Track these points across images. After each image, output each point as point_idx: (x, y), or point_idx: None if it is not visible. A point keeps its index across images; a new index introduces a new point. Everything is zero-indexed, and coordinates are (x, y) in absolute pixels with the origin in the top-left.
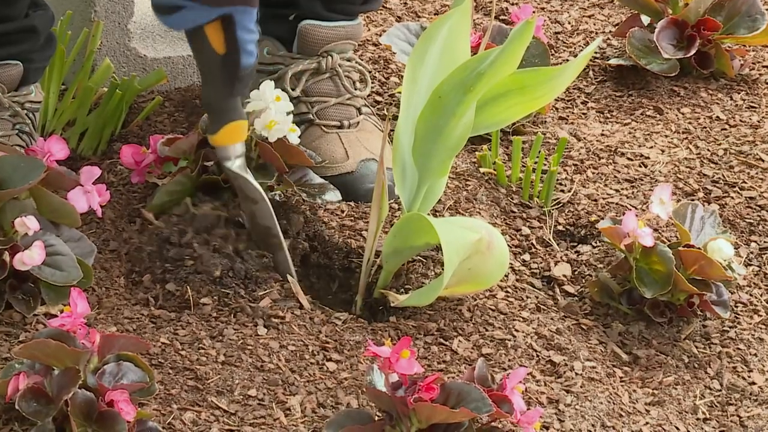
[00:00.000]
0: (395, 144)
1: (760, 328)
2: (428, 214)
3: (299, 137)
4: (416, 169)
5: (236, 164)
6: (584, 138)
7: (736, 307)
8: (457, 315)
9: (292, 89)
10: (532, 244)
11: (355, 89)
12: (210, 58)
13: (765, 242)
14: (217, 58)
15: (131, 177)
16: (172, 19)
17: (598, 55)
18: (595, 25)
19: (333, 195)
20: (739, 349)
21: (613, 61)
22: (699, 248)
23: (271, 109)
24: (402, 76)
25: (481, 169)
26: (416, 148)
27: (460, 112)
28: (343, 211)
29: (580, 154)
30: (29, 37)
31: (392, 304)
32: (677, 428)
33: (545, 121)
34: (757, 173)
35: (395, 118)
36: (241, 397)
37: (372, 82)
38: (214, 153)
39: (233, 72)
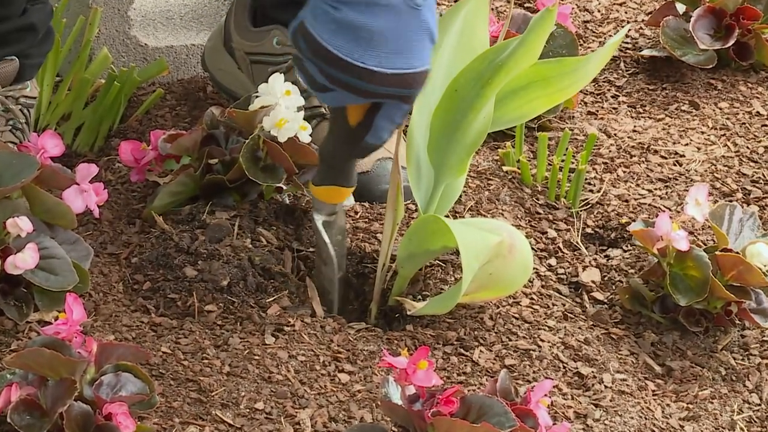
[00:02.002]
0: (409, 141)
1: None
2: (446, 216)
3: (310, 133)
4: (432, 167)
5: (321, 220)
6: (615, 134)
7: None
8: (479, 323)
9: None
10: (559, 247)
11: None
12: (340, 123)
13: None
14: (347, 127)
15: (130, 175)
16: (323, 96)
17: (629, 46)
18: (626, 13)
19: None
20: None
21: (646, 52)
22: (737, 252)
23: (280, 105)
24: None
25: (504, 168)
26: (432, 145)
27: (478, 106)
28: (356, 212)
29: (610, 151)
30: (28, 35)
31: (409, 312)
32: None
33: (573, 116)
34: None
35: (410, 113)
36: (248, 410)
37: None
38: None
39: (355, 143)
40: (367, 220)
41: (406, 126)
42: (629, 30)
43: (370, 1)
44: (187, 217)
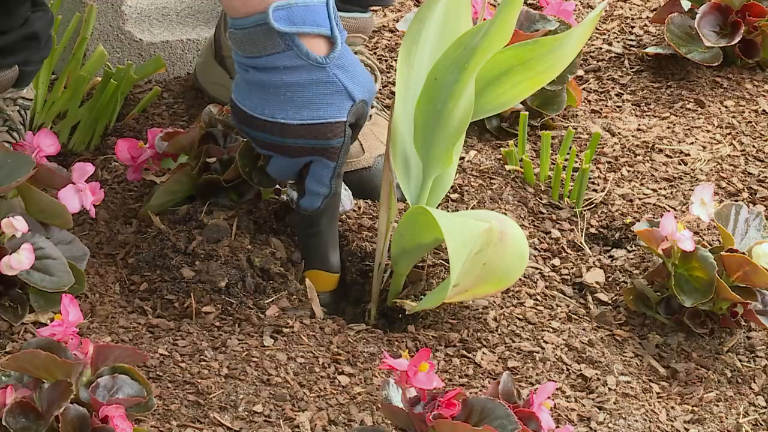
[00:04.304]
0: (393, 136)
1: None
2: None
3: None
4: (420, 160)
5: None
6: (619, 133)
7: None
8: (482, 325)
9: None
10: (563, 247)
11: None
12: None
13: None
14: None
15: (127, 174)
16: (270, 171)
17: (634, 43)
18: (630, 10)
19: (345, 196)
20: None
21: (651, 50)
22: (743, 253)
23: None
24: None
25: (507, 167)
26: (417, 137)
27: (457, 92)
28: (359, 208)
29: (614, 150)
30: (31, 44)
31: (408, 312)
32: None
33: (576, 115)
34: None
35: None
36: (246, 413)
37: (388, 71)
38: (215, 149)
39: (297, 210)
40: (370, 217)
41: None
42: (633, 27)
43: (273, 65)
44: (185, 217)
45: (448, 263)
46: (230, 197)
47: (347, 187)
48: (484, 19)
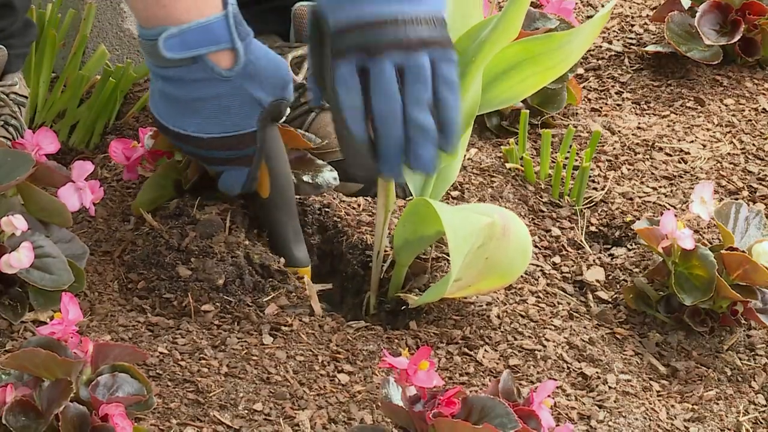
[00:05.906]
0: None
1: None
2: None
3: (310, 124)
4: None
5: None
6: (619, 131)
7: None
8: (485, 322)
9: (295, 75)
10: (563, 246)
11: None
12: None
13: None
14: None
15: (124, 173)
16: (221, 183)
17: (634, 42)
18: (631, 8)
19: (330, 175)
20: None
21: (651, 48)
22: (743, 251)
23: None
24: None
25: (508, 165)
26: None
27: (465, 85)
28: (359, 205)
29: (614, 148)
30: (6, 13)
31: (411, 305)
32: None
33: (577, 113)
34: None
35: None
36: (246, 411)
37: None
38: None
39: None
40: (369, 213)
41: None
42: (633, 26)
43: (179, 77)
44: (175, 211)
45: None
46: (217, 194)
47: (333, 168)
48: (492, 14)
